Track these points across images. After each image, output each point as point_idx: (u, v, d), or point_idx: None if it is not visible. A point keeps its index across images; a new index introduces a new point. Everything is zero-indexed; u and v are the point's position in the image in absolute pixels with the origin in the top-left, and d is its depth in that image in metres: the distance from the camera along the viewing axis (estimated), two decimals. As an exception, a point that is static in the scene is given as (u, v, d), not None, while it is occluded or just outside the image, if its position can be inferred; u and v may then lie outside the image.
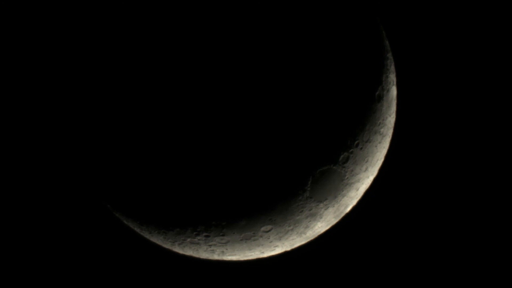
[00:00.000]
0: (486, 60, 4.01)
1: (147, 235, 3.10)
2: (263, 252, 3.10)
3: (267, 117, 2.47)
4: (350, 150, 2.75)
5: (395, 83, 3.09)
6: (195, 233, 2.82)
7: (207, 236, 2.83)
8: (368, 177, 3.06)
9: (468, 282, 4.06)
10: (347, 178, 2.85)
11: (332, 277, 4.06)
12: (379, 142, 2.97)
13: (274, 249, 3.09)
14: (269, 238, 2.91)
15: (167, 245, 3.11)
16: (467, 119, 4.04)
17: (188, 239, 2.90)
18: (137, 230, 3.11)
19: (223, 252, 3.01)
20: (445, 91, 4.04)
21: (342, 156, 2.72)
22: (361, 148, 2.81)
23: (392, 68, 3.05)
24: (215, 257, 3.11)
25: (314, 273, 4.04)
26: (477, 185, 4.08)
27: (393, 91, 3.06)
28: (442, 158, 4.07)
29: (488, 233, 4.08)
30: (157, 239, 3.08)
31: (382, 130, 2.95)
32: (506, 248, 4.03)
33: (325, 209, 2.89)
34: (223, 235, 2.82)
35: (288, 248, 3.17)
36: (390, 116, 3.04)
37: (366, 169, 2.96)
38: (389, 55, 3.03)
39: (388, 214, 4.07)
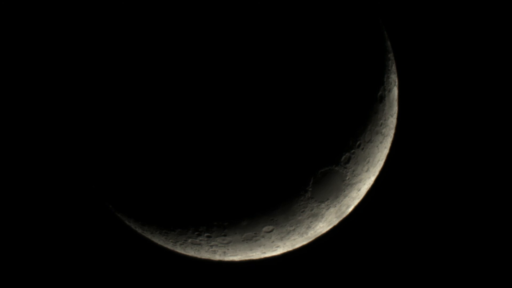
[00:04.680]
0: (487, 60, 4.02)
1: (148, 236, 3.10)
2: (264, 253, 3.10)
3: (269, 118, 2.47)
4: (352, 151, 2.75)
5: (396, 83, 3.10)
6: (196, 233, 2.82)
7: (208, 237, 2.83)
8: (369, 177, 3.06)
9: (468, 282, 4.07)
10: (349, 178, 2.85)
11: (333, 277, 4.07)
12: (381, 143, 2.97)
13: (275, 250, 3.09)
14: (270, 239, 2.91)
15: (168, 245, 3.11)
16: (468, 119, 4.05)
17: (190, 240, 2.90)
18: (139, 230, 3.10)
19: (224, 252, 3.01)
20: (446, 91, 4.04)
21: (343, 156, 2.73)
22: (363, 149, 2.82)
23: (394, 68, 3.06)
24: (217, 257, 3.12)
25: (316, 274, 4.05)
26: (478, 185, 4.09)
27: (395, 92, 3.06)
28: (443, 158, 4.08)
29: (488, 233, 4.08)
30: (159, 240, 3.08)
31: (383, 130, 2.95)
32: (506, 248, 4.04)
33: (327, 210, 2.90)
34: (224, 236, 2.82)
35: (290, 249, 3.18)
36: (391, 116, 3.04)
37: (368, 169, 2.97)
38: (391, 55, 3.04)
39: (389, 215, 4.08)
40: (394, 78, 3.04)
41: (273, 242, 2.95)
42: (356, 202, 3.13)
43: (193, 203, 2.63)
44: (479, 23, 4.00)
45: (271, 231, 2.84)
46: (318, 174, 2.66)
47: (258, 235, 2.85)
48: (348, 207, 3.07)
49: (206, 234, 2.81)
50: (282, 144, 2.51)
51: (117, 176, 2.71)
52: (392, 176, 3.80)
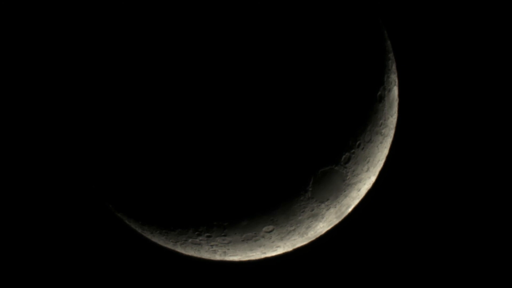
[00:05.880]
0: (487, 60, 4.02)
1: (148, 236, 3.10)
2: (264, 253, 3.10)
3: (269, 117, 2.47)
4: (352, 151, 2.75)
5: (396, 83, 3.09)
6: (196, 233, 2.82)
7: (209, 237, 2.83)
8: (369, 177, 3.06)
9: (468, 282, 4.07)
10: (349, 178, 2.85)
11: (333, 277, 4.07)
12: (381, 143, 2.97)
13: (275, 250, 3.09)
14: (270, 239, 2.91)
15: (168, 245, 3.10)
16: (468, 119, 4.05)
17: (190, 240, 2.90)
18: (139, 230, 3.10)
19: (225, 252, 3.01)
20: (446, 91, 4.04)
21: (343, 156, 2.73)
22: (363, 149, 2.82)
23: (394, 68, 3.06)
24: (217, 257, 3.11)
25: (316, 274, 4.05)
26: (478, 185, 4.09)
27: (395, 92, 3.06)
28: (443, 158, 4.08)
29: (488, 233, 4.08)
30: (159, 240, 3.08)
31: (383, 130, 2.95)
32: (506, 248, 4.04)
33: (327, 210, 2.90)
34: (225, 236, 2.82)
35: (290, 249, 3.18)
36: (391, 116, 3.04)
37: (368, 169, 2.97)
38: (391, 55, 3.03)
39: (389, 215, 4.08)
40: (394, 78, 3.04)
41: (273, 242, 2.95)
42: (356, 202, 3.13)
43: (193, 203, 2.63)
44: (479, 23, 4.00)
45: (271, 231, 2.84)
46: (318, 174, 2.66)
47: (258, 235, 2.85)
48: (348, 207, 3.07)
49: (206, 234, 2.81)
50: (282, 144, 2.51)
51: (117, 176, 2.71)
52: (392, 176, 3.81)
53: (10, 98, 3.83)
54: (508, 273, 4.01)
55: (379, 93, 2.83)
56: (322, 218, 2.93)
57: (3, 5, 3.74)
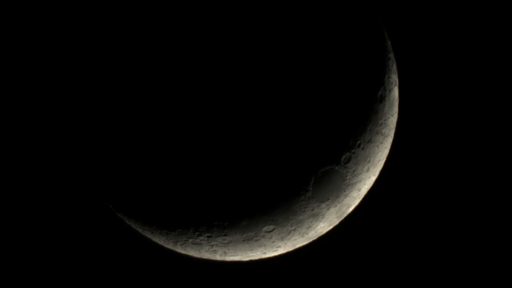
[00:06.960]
0: (487, 60, 4.02)
1: (149, 235, 3.10)
2: (265, 253, 3.10)
3: (269, 117, 2.47)
4: (352, 151, 2.75)
5: (397, 83, 3.10)
6: (197, 233, 2.82)
7: (209, 237, 2.83)
8: (369, 177, 3.06)
9: (468, 282, 4.07)
10: (349, 178, 2.85)
11: (334, 277, 4.07)
12: (381, 143, 2.97)
13: (276, 250, 3.09)
14: (271, 239, 2.91)
15: (169, 245, 3.10)
16: (469, 119, 4.05)
17: (190, 240, 2.90)
18: (139, 230, 3.10)
19: (225, 252, 3.01)
20: (447, 91, 4.05)
21: (344, 156, 2.73)
22: (363, 149, 2.82)
23: (394, 68, 3.06)
24: (217, 257, 3.11)
25: (316, 274, 4.05)
26: (478, 185, 4.09)
27: (395, 92, 3.06)
28: (444, 158, 4.08)
29: (488, 233, 4.09)
30: (159, 240, 3.08)
31: (384, 130, 2.95)
32: (506, 248, 4.04)
33: (327, 209, 2.90)
34: (225, 236, 2.82)
35: (291, 249, 3.18)
36: (392, 116, 3.04)
37: (368, 169, 2.97)
38: (391, 55, 3.04)
39: (390, 214, 4.08)
40: (394, 78, 3.04)
41: (273, 242, 2.95)
42: (356, 202, 3.13)
43: (193, 203, 2.63)
44: (479, 23, 4.00)
45: (272, 231, 2.84)
46: (319, 173, 2.66)
47: (258, 235, 2.85)
48: (348, 207, 3.07)
49: (206, 234, 2.81)
50: (282, 143, 2.51)
51: (117, 176, 2.71)
52: (392, 176, 3.81)
53: (10, 98, 3.82)
54: (508, 273, 4.01)
55: (380, 93, 2.83)
56: (323, 218, 2.93)
57: (3, 5, 3.74)
